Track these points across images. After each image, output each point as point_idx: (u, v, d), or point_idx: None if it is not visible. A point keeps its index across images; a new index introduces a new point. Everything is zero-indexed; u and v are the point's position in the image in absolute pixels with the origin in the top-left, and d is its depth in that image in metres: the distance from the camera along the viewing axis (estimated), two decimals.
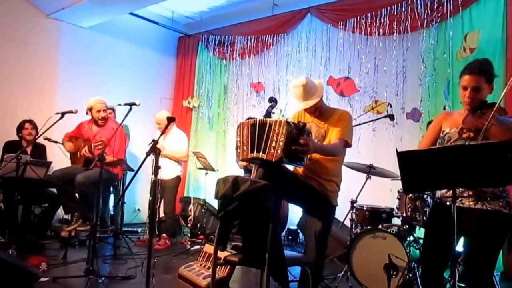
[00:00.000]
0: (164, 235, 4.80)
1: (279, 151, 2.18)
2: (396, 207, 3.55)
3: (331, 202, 2.59)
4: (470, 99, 2.06)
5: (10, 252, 3.54)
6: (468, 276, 2.05)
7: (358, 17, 5.04)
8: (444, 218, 2.01)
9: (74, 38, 5.81)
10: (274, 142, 2.21)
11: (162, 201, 4.83)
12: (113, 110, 5.06)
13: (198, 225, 5.11)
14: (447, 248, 2.00)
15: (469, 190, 2.04)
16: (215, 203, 4.93)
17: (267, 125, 2.27)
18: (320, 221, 2.54)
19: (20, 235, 4.13)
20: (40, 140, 4.29)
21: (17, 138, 4.64)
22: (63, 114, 3.68)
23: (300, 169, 2.60)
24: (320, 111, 2.65)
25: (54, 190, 4.38)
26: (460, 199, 2.05)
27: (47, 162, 4.25)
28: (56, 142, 4.48)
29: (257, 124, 2.31)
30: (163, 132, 2.91)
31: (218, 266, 2.75)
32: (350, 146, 2.62)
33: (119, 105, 4.26)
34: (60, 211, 4.77)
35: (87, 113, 4.27)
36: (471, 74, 2.06)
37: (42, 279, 3.08)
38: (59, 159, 4.48)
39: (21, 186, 3.98)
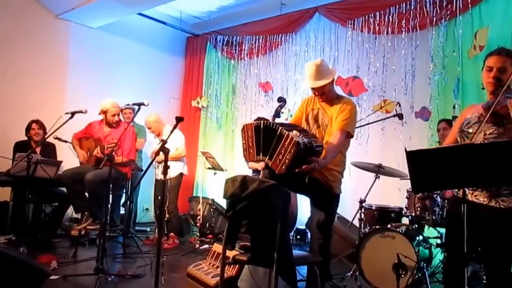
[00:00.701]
0: (172, 234, 4.82)
1: (283, 167, 2.17)
2: (405, 207, 3.53)
3: (334, 191, 2.58)
4: (495, 79, 2.04)
5: (21, 250, 3.57)
6: (487, 273, 2.07)
7: (366, 16, 5.01)
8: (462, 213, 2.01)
9: (83, 38, 5.87)
10: (281, 155, 2.19)
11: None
12: (133, 110, 5.09)
13: (207, 224, 5.13)
14: (469, 242, 1.99)
15: None
16: (223, 203, 4.94)
17: (277, 134, 2.23)
18: (323, 211, 2.54)
19: (30, 234, 4.18)
20: (50, 140, 4.33)
21: (26, 138, 4.69)
22: (73, 114, 3.72)
23: None
24: (327, 97, 2.63)
25: (64, 189, 4.43)
26: (474, 194, 2.04)
27: (57, 162, 4.30)
28: (66, 141, 4.52)
29: (262, 126, 2.30)
30: (172, 131, 2.89)
31: (227, 265, 2.76)
32: (352, 137, 2.61)
33: (128, 105, 4.30)
34: (70, 210, 4.82)
35: (100, 114, 4.30)
36: (499, 55, 2.06)
37: (52, 277, 3.11)
38: (69, 158, 4.52)
39: (32, 185, 4.03)
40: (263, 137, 2.29)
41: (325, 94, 2.61)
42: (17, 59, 5.29)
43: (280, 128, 2.24)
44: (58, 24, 5.67)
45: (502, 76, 2.03)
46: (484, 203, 2.00)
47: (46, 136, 4.10)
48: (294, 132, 2.22)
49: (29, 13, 5.41)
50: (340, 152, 2.58)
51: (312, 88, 2.62)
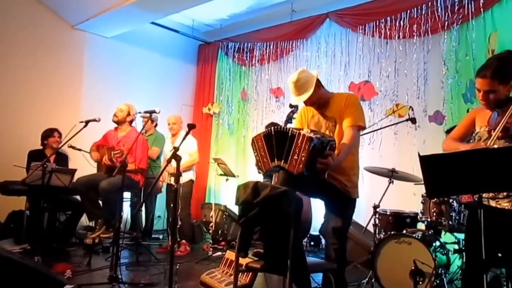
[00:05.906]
0: (183, 241, 4.79)
1: (301, 165, 2.15)
2: (421, 212, 3.47)
3: (352, 197, 2.53)
4: (485, 101, 2.07)
5: (36, 260, 3.58)
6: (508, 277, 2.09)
7: (378, 21, 5.00)
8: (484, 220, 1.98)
9: (98, 48, 5.97)
10: (296, 155, 2.17)
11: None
12: (152, 119, 5.13)
13: (220, 231, 5.12)
14: (491, 247, 1.98)
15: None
16: (236, 209, 4.93)
17: (289, 135, 2.22)
18: (339, 217, 2.49)
19: (45, 243, 4.20)
20: (64, 148, 4.39)
21: (40, 147, 4.74)
22: (87, 122, 3.79)
23: None
24: (319, 103, 2.59)
25: (78, 197, 4.47)
26: (496, 200, 1.99)
27: (72, 170, 4.35)
28: (80, 150, 4.58)
29: (272, 132, 2.29)
30: (184, 138, 2.91)
31: (240, 273, 2.74)
32: (364, 128, 2.57)
33: (139, 113, 4.34)
34: (84, 218, 4.86)
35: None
36: (483, 78, 2.04)
37: (67, 286, 3.08)
38: (83, 167, 4.57)
39: (47, 193, 4.08)
40: (275, 142, 2.27)
41: (315, 103, 2.58)
42: (33, 69, 5.40)
43: (290, 129, 2.25)
44: (74, 34, 5.79)
45: (491, 97, 2.04)
46: (507, 207, 1.96)
47: (60, 145, 4.15)
48: (305, 130, 2.21)
49: (46, 24, 5.54)
50: (352, 154, 2.54)
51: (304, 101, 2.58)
